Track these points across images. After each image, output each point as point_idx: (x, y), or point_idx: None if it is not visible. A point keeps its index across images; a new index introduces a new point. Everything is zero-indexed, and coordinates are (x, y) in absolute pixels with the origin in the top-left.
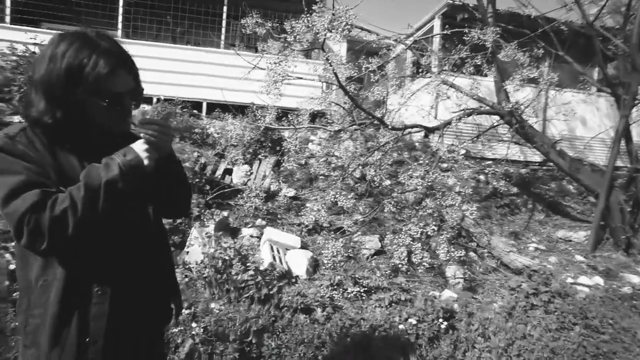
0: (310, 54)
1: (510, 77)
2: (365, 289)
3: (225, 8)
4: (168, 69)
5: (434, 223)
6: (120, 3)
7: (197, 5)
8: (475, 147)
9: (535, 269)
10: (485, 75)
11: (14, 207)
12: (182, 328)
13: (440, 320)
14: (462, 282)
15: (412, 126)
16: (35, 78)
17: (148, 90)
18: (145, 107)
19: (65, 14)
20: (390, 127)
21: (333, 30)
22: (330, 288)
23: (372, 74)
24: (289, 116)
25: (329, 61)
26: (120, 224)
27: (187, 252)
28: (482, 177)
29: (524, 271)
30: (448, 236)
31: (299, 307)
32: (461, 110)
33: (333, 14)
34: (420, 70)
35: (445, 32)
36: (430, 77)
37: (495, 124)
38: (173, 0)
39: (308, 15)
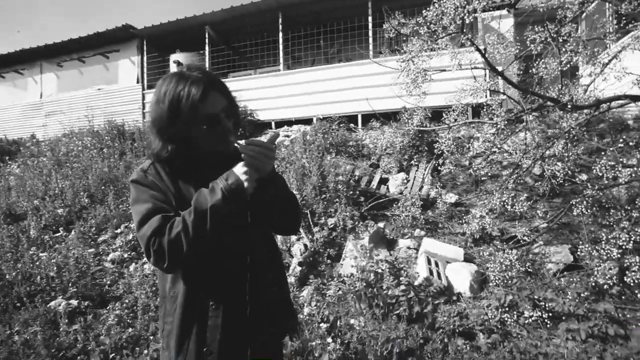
0: (460, 40)
1: None
2: (550, 314)
3: (370, 18)
4: (324, 89)
5: None
6: (280, 40)
7: (344, 22)
8: None
9: None
10: None
11: (143, 232)
12: (320, 341)
13: None
14: None
15: (611, 99)
16: (150, 120)
17: (309, 112)
18: (275, 131)
19: (242, 63)
20: (570, 106)
21: (471, 5)
22: (500, 310)
23: (538, 47)
24: (444, 114)
25: (473, 43)
26: (228, 245)
27: (342, 265)
28: None
29: None
30: None
31: (457, 330)
32: None
33: None
34: (620, 22)
35: None
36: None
37: None
38: (322, 25)
39: None
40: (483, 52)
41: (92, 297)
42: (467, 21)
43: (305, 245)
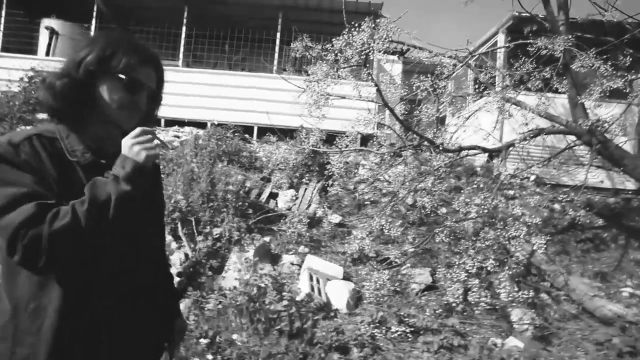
0: (361, 74)
1: (588, 91)
2: (412, 329)
3: (278, 34)
4: (224, 95)
5: (493, 257)
6: (183, 35)
7: (252, 32)
8: (549, 171)
9: (632, 319)
10: (556, 91)
11: (8, 220)
12: (199, 359)
13: None
14: (531, 329)
15: (469, 148)
16: (71, 53)
17: (204, 115)
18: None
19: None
20: (441, 149)
21: (373, 45)
22: (371, 325)
23: (424, 94)
24: (337, 139)
25: (373, 79)
26: (116, 246)
27: (224, 278)
28: (557, 206)
29: (616, 322)
30: (511, 273)
31: (334, 345)
32: (529, 131)
33: (373, 28)
34: (479, 88)
35: (508, 45)
36: (490, 94)
37: (570, 145)
38: (230, 30)
39: (349, 31)
40: (375, 86)
41: None
42: (371, 58)
43: (187, 255)
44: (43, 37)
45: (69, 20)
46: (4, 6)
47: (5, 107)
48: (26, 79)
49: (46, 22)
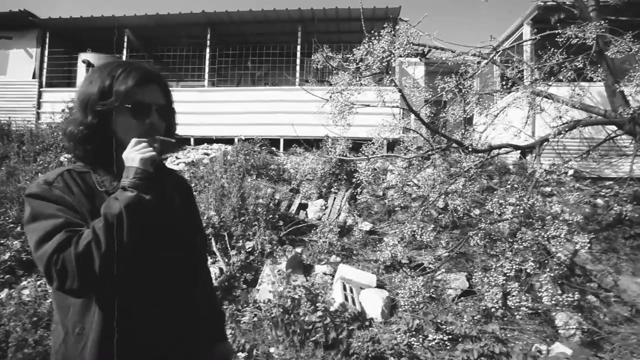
0: (384, 80)
1: (627, 77)
2: (450, 336)
3: (298, 47)
4: (249, 111)
5: (532, 258)
6: (207, 56)
7: (273, 47)
8: (588, 165)
9: None
10: (590, 80)
11: (43, 251)
12: None
13: None
14: (579, 334)
15: (499, 147)
16: (77, 96)
17: (231, 131)
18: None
19: (164, 74)
20: (470, 149)
21: (395, 51)
22: (407, 334)
23: (448, 94)
24: (363, 146)
25: (396, 85)
26: (152, 268)
27: (258, 290)
28: (599, 200)
29: None
30: (552, 274)
31: (370, 355)
32: (563, 124)
33: (393, 35)
34: (506, 83)
35: (534, 37)
36: (519, 89)
37: (611, 136)
38: (252, 47)
39: (369, 40)
40: (399, 91)
41: None
42: (393, 64)
43: (221, 269)
44: (80, 70)
45: (103, 52)
46: (47, 45)
47: (50, 137)
48: (67, 110)
49: (83, 56)
